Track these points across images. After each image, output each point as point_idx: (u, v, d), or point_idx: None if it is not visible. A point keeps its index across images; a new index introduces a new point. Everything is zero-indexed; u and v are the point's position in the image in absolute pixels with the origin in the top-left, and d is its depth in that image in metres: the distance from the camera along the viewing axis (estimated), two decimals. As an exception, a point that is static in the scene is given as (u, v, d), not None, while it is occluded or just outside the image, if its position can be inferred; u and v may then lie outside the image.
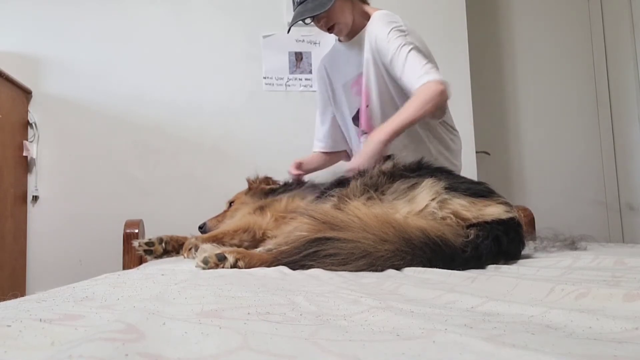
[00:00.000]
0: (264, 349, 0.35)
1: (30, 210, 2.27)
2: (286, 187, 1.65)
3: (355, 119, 1.80)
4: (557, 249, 1.23)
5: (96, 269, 1.91)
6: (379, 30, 1.59)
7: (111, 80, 2.37)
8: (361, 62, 1.69)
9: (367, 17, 1.67)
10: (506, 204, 1.08)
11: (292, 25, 1.66)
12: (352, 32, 1.71)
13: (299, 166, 1.83)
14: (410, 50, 1.51)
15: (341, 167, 1.75)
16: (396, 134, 1.44)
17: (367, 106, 1.68)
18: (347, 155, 1.96)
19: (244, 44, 2.49)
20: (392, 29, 1.56)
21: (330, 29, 1.65)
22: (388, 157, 1.40)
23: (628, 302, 0.51)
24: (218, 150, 2.43)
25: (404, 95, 1.59)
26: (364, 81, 1.68)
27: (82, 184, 2.31)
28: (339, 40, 1.80)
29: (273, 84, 2.50)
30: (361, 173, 1.26)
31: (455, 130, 1.81)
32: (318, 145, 1.97)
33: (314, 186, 1.55)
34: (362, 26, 1.68)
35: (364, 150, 1.46)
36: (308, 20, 1.62)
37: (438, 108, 1.50)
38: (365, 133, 1.71)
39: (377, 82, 1.64)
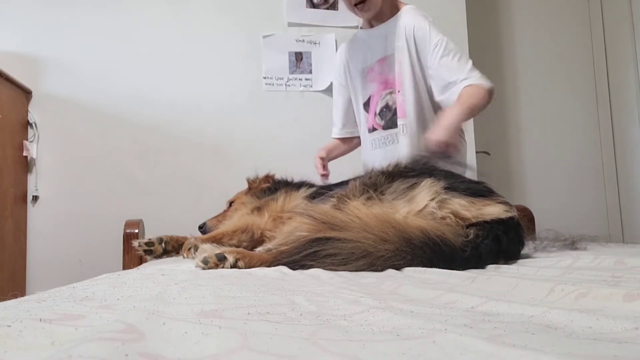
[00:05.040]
0: (264, 349, 0.35)
1: (30, 210, 2.27)
2: (284, 186, 1.65)
3: (366, 104, 1.84)
4: (557, 249, 1.23)
5: (96, 269, 1.91)
6: (418, 21, 1.68)
7: (111, 80, 2.37)
8: (384, 49, 1.75)
9: (396, 9, 1.75)
10: (506, 203, 1.08)
11: None
12: (378, 19, 1.77)
13: (324, 160, 1.84)
14: (452, 46, 1.62)
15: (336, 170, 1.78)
16: (466, 116, 1.49)
17: (399, 91, 1.72)
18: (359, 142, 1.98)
19: (244, 44, 2.49)
20: (430, 22, 1.67)
21: (358, 5, 1.67)
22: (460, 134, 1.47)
23: (628, 302, 0.51)
24: (218, 150, 2.43)
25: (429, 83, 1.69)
26: (396, 67, 1.72)
27: (82, 184, 2.31)
28: (361, 28, 1.90)
29: (273, 84, 2.50)
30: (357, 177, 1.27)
31: (463, 133, 1.82)
32: (335, 131, 2.00)
33: (310, 185, 1.56)
34: (389, 16, 1.74)
35: (442, 123, 1.44)
36: None
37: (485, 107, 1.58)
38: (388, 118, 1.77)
39: (412, 69, 1.69)
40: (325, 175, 1.82)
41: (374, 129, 1.82)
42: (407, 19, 1.69)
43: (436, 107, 1.72)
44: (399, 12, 1.73)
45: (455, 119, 1.44)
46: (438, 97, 1.63)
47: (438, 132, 1.41)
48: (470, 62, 1.60)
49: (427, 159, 1.30)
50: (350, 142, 1.99)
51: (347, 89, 1.94)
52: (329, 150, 1.92)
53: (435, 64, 1.61)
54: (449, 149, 1.41)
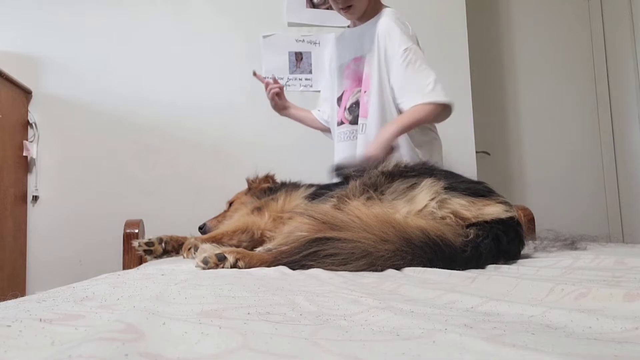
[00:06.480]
0: (264, 349, 0.35)
1: (30, 210, 2.27)
2: (284, 186, 1.65)
3: (339, 99, 1.89)
4: (557, 248, 1.23)
5: (96, 269, 1.90)
6: (390, 26, 1.70)
7: (111, 80, 2.37)
8: (359, 49, 1.79)
9: (377, 10, 1.78)
10: (506, 203, 1.07)
11: None
12: (361, 19, 1.81)
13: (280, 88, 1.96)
14: (418, 57, 1.64)
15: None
16: (406, 129, 1.60)
17: (365, 92, 1.76)
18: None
19: (244, 44, 2.49)
20: (402, 28, 1.68)
21: (345, 9, 1.74)
22: (392, 149, 1.57)
23: (628, 302, 0.51)
24: (218, 150, 2.43)
25: None
26: (365, 69, 1.76)
27: (82, 184, 2.31)
28: (348, 26, 1.94)
29: (273, 84, 2.49)
30: (360, 173, 1.27)
31: (436, 130, 1.85)
32: (315, 112, 2.08)
33: (310, 185, 1.56)
34: (370, 17, 1.78)
35: (376, 140, 1.58)
36: None
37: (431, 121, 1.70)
38: (351, 114, 1.84)
39: (379, 72, 1.72)
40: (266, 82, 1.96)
41: (342, 123, 1.87)
42: (382, 22, 1.72)
43: (399, 110, 1.74)
44: (378, 15, 1.76)
45: (390, 136, 1.57)
46: (396, 101, 1.69)
47: (372, 148, 1.57)
48: (431, 75, 1.62)
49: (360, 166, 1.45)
50: (318, 124, 2.06)
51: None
52: (298, 108, 2.04)
53: (399, 72, 1.65)
54: (377, 161, 1.52)
